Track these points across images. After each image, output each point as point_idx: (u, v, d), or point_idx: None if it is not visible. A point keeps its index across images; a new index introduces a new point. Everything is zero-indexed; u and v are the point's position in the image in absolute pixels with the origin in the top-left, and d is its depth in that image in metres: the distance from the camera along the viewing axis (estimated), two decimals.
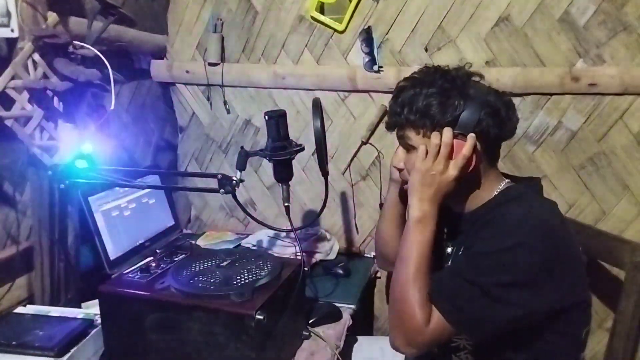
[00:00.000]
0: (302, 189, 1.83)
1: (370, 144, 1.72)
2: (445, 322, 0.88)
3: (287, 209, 1.06)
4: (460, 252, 1.02)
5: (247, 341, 0.92)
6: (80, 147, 1.17)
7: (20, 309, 1.14)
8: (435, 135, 0.96)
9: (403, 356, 1.32)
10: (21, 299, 1.23)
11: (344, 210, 1.82)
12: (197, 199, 2.00)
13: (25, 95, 1.12)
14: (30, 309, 1.15)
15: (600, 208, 1.57)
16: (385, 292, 1.80)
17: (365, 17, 1.62)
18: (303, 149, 1.07)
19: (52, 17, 1.17)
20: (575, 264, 0.93)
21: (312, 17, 1.65)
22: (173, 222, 1.68)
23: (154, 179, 1.52)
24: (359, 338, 1.44)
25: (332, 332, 1.23)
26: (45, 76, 1.14)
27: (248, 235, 1.79)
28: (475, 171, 0.98)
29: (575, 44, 1.48)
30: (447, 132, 0.95)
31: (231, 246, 1.73)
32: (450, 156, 0.95)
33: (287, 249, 1.59)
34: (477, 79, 1.00)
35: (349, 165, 1.76)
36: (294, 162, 1.07)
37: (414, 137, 0.99)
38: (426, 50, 1.60)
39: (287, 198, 1.07)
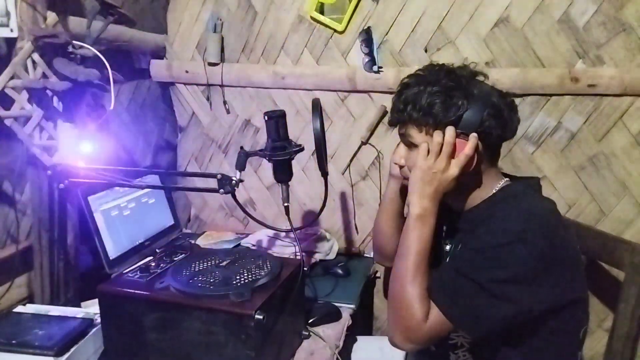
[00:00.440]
0: (302, 189, 1.83)
1: (370, 144, 1.72)
2: (444, 317, 0.89)
3: (287, 209, 1.06)
4: (458, 249, 1.03)
5: (246, 341, 0.92)
6: (79, 147, 1.17)
7: (20, 308, 1.14)
8: (437, 134, 0.96)
9: (402, 356, 1.33)
10: (21, 298, 1.23)
11: (343, 211, 1.82)
12: (196, 199, 2.00)
13: (25, 95, 1.12)
14: (30, 308, 1.15)
15: (600, 208, 1.57)
16: (384, 288, 1.80)
17: (365, 17, 1.62)
18: (303, 149, 1.07)
19: (52, 17, 1.17)
20: (572, 261, 0.93)
21: (312, 17, 1.65)
22: (173, 222, 1.68)
23: (153, 179, 1.52)
24: (359, 338, 1.45)
25: (331, 332, 1.23)
26: (44, 76, 1.14)
27: (248, 235, 1.79)
28: (475, 170, 0.98)
29: (575, 45, 1.48)
30: (450, 131, 0.95)
31: (231, 246, 1.73)
32: (452, 155, 0.96)
33: (286, 249, 1.59)
34: (481, 78, 1.00)
35: (348, 166, 1.77)
36: (293, 162, 1.07)
37: (416, 134, 1.00)
38: (426, 50, 1.60)
39: (286, 198, 1.07)
